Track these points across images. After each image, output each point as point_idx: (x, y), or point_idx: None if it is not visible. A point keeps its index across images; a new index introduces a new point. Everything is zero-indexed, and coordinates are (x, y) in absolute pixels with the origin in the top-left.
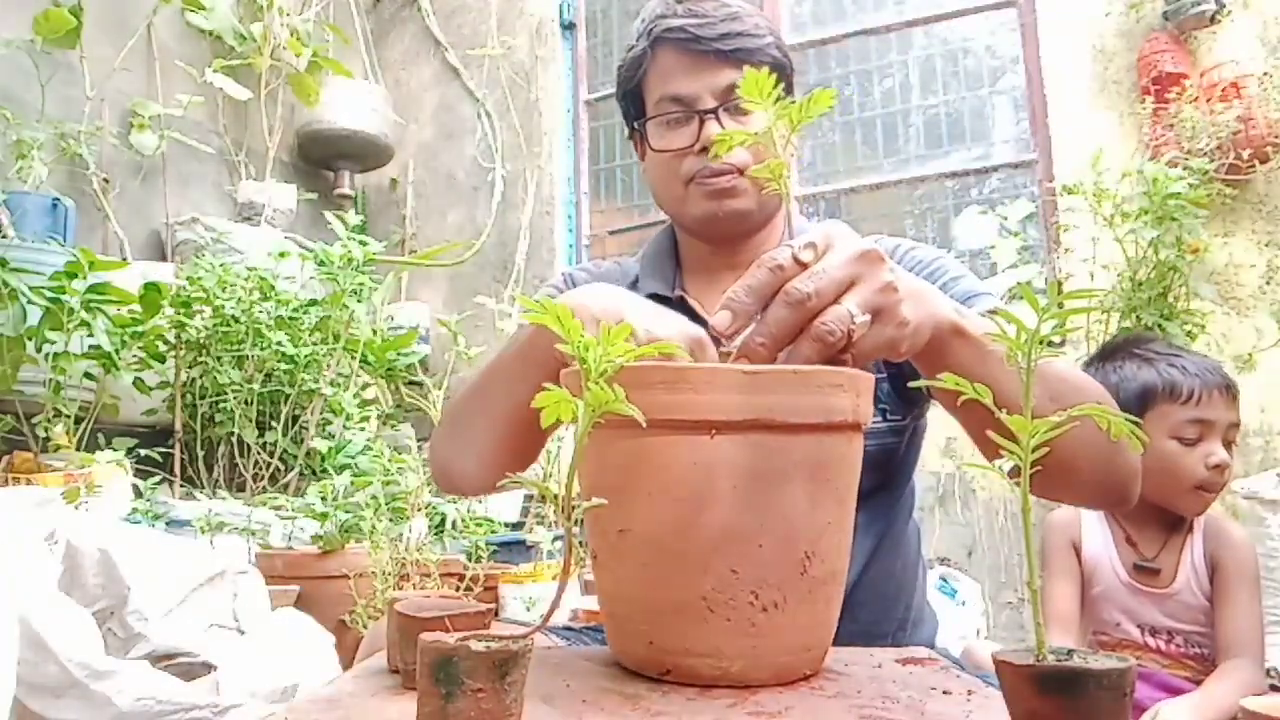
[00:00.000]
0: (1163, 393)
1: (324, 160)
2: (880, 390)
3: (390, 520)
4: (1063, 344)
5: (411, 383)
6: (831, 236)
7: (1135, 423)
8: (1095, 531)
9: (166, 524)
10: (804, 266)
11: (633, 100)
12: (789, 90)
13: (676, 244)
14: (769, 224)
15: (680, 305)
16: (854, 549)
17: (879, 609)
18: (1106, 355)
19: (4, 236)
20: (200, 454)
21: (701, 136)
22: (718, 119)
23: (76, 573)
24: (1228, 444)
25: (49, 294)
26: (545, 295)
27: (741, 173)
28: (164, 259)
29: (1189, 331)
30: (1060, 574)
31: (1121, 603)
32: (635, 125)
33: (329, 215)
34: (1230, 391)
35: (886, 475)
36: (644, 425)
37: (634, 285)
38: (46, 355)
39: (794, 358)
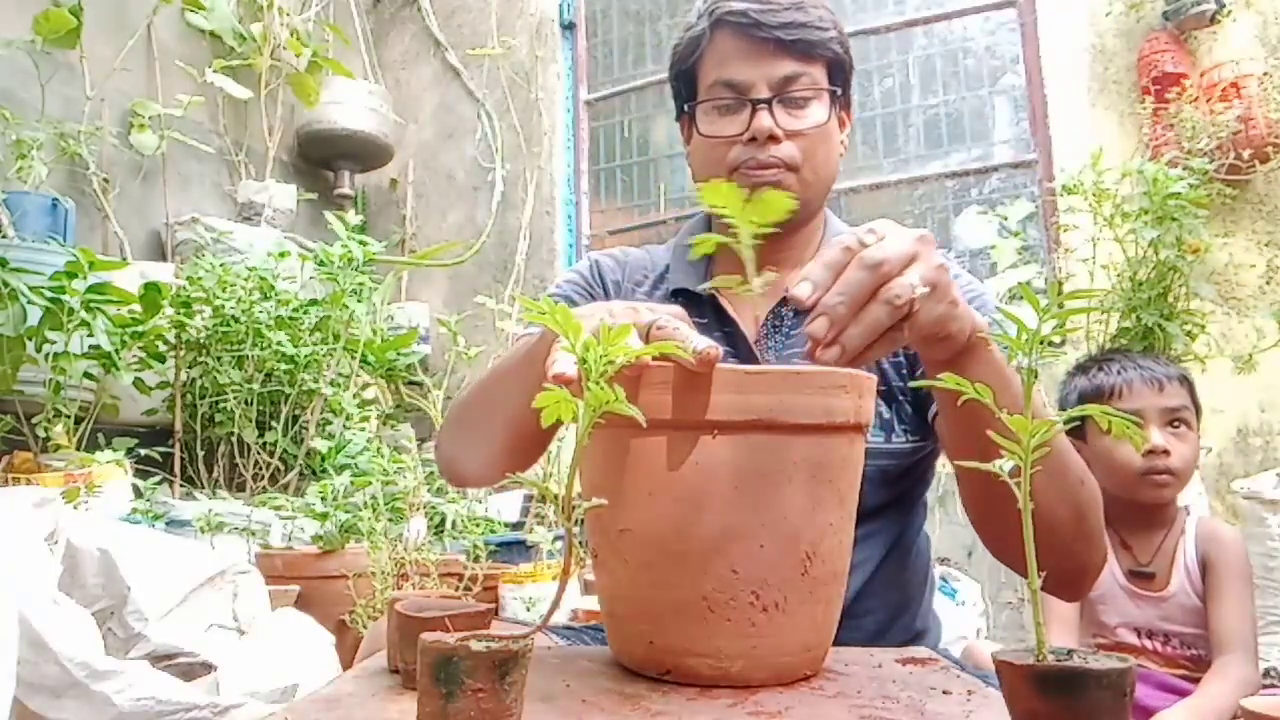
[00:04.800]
0: (1090, 395)
1: (324, 160)
2: (903, 412)
3: (390, 520)
4: (1063, 344)
5: (411, 383)
6: (888, 224)
7: (1134, 422)
8: None
9: (166, 524)
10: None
11: (685, 81)
12: (846, 87)
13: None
14: (808, 226)
15: (710, 303)
16: (863, 557)
17: (885, 618)
18: (1071, 373)
19: (4, 236)
20: (200, 454)
21: (752, 126)
22: (770, 110)
23: (76, 573)
24: (1174, 427)
25: (49, 294)
26: (570, 280)
27: (789, 169)
28: (164, 259)
29: (1189, 331)
30: None
31: (1119, 606)
32: (685, 107)
33: (329, 215)
34: (1157, 381)
35: (904, 489)
36: (644, 425)
37: (662, 277)
38: (46, 355)
39: (865, 321)
